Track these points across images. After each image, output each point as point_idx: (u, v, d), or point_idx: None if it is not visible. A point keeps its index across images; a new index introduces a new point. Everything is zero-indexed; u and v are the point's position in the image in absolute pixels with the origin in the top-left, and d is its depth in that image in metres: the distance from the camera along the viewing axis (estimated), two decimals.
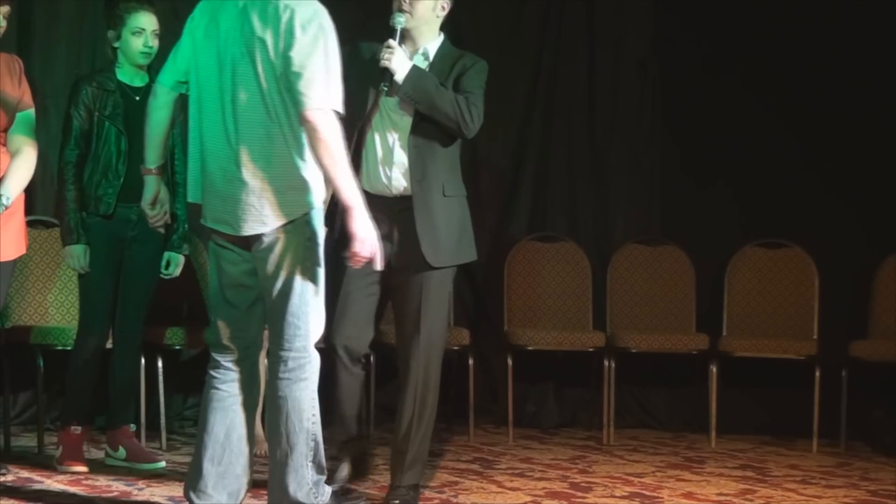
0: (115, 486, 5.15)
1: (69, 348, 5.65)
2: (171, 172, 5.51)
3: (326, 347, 4.68)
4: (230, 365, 4.34)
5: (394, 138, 4.76)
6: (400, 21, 4.72)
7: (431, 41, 4.83)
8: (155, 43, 5.46)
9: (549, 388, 7.25)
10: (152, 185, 4.55)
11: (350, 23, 6.11)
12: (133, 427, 5.70)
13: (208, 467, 4.30)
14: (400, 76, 4.67)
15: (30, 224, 5.64)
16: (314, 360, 4.24)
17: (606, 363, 6.73)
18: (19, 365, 6.10)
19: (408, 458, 4.85)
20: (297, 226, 4.16)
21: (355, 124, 4.74)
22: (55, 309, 6.21)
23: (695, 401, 7.01)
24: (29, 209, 5.36)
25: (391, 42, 4.68)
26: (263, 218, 4.15)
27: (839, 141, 7.09)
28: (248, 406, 4.37)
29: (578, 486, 5.47)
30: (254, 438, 4.41)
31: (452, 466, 5.84)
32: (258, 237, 4.18)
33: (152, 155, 4.49)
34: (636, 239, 7.21)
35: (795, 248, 7.06)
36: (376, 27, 4.84)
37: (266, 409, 4.35)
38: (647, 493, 5.39)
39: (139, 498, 4.97)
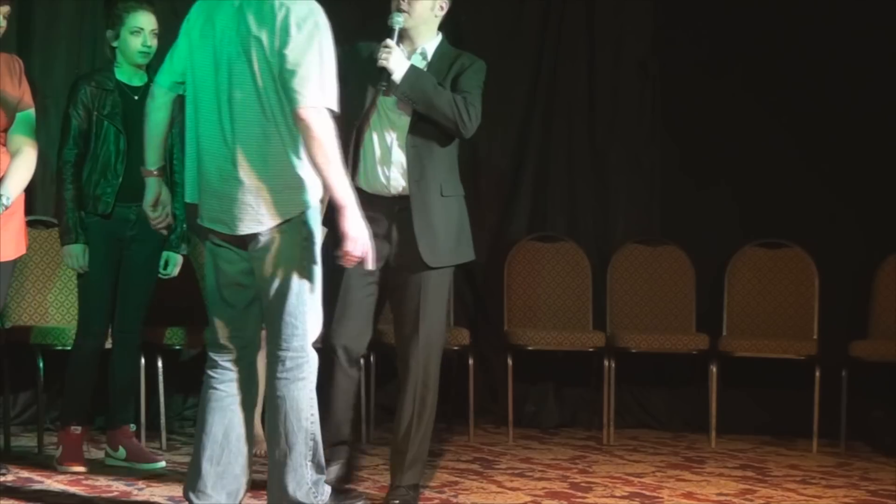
0: (115, 486, 5.15)
1: (69, 348, 5.65)
2: (170, 172, 5.51)
3: (324, 348, 4.67)
4: (228, 364, 4.34)
5: (392, 138, 4.76)
6: (398, 21, 4.72)
7: (430, 41, 4.83)
8: (153, 42, 5.46)
9: (549, 388, 7.25)
10: (153, 187, 4.54)
11: (349, 23, 6.14)
12: (133, 427, 5.70)
13: (207, 467, 4.30)
14: (398, 76, 4.66)
15: (30, 224, 5.64)
16: (312, 360, 4.24)
17: (606, 363, 6.73)
18: (19, 365, 6.10)
19: (408, 458, 4.84)
20: (294, 225, 4.16)
21: (353, 124, 4.74)
22: (55, 309, 6.21)
23: (695, 401, 7.00)
24: (29, 209, 5.36)
25: (389, 42, 4.68)
26: (260, 217, 4.15)
27: (839, 141, 7.09)
28: (247, 406, 4.36)
29: (578, 486, 5.47)
30: (252, 438, 4.41)
31: (452, 466, 5.84)
32: (254, 236, 4.17)
33: (152, 156, 4.49)
34: (636, 239, 7.21)
35: (795, 248, 7.06)
36: (375, 27, 4.84)
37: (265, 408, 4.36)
38: (647, 493, 5.39)
39: (139, 498, 4.97)
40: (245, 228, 4.17)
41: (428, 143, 4.74)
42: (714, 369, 6.71)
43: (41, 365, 5.91)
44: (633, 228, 7.31)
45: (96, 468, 5.48)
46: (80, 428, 5.49)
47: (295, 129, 4.12)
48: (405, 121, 4.73)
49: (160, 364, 6.08)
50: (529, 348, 6.76)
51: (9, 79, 5.04)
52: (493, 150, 7.29)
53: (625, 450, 6.47)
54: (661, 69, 7.32)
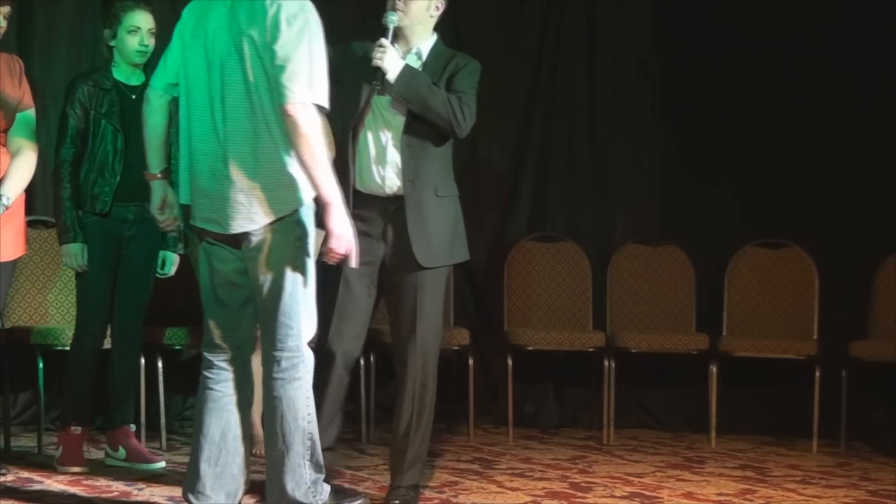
0: (115, 486, 5.15)
1: (68, 348, 5.65)
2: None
3: (323, 352, 4.64)
4: (223, 365, 4.35)
5: (387, 137, 4.75)
6: (392, 20, 4.71)
7: (425, 41, 4.82)
8: (151, 42, 5.46)
9: (549, 388, 7.25)
10: (159, 190, 4.53)
11: (348, 23, 6.14)
12: (133, 427, 5.70)
13: (205, 468, 4.30)
14: (392, 75, 4.66)
15: (30, 224, 5.64)
16: (307, 360, 4.24)
17: (606, 363, 6.73)
18: (19, 365, 6.10)
19: (407, 459, 4.84)
20: (286, 225, 4.16)
21: (348, 123, 4.74)
22: (55, 309, 6.21)
23: (695, 401, 7.00)
24: (29, 209, 5.35)
25: (383, 41, 4.67)
26: (252, 215, 4.15)
27: (839, 141, 7.09)
28: (243, 406, 4.37)
29: (578, 486, 5.47)
30: (250, 438, 4.41)
31: (452, 466, 5.84)
32: (246, 235, 4.17)
33: (154, 160, 4.48)
34: (636, 239, 7.21)
35: (795, 248, 7.06)
36: (374, 26, 4.83)
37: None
38: (647, 493, 5.39)
39: (139, 498, 4.97)
40: (237, 227, 4.17)
41: (423, 142, 4.74)
42: (714, 369, 6.71)
43: (41, 365, 5.90)
44: (633, 228, 7.31)
45: (96, 468, 5.48)
46: (80, 428, 5.49)
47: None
48: (400, 120, 4.73)
49: (160, 364, 6.08)
50: (529, 348, 6.76)
51: (9, 79, 5.04)
52: (493, 150, 7.29)
53: (625, 450, 6.47)
54: (661, 69, 7.33)
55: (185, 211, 4.37)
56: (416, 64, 4.77)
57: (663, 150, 7.35)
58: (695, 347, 6.81)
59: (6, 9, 5.01)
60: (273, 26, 4.08)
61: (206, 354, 4.37)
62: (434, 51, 4.82)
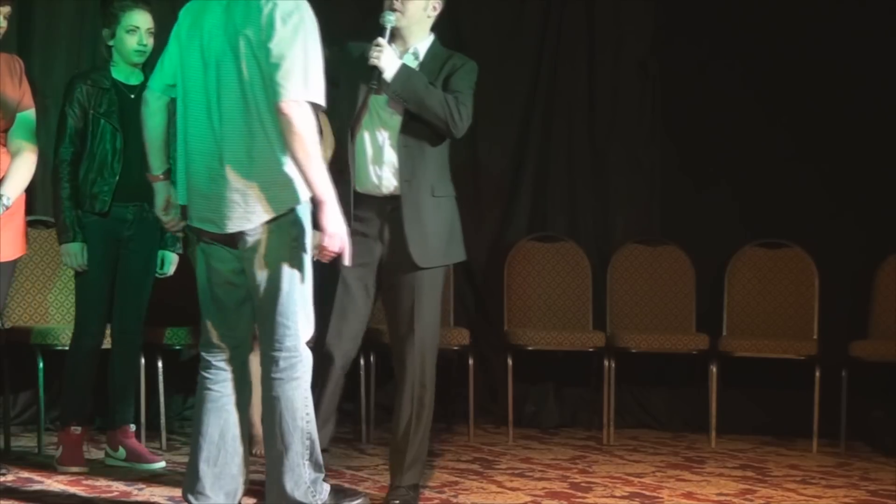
0: (115, 487, 5.15)
1: (68, 348, 5.65)
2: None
3: (322, 355, 4.64)
4: (221, 365, 4.35)
5: (384, 137, 4.75)
6: (389, 19, 4.71)
7: (422, 41, 4.82)
8: (150, 41, 5.46)
9: (549, 388, 7.25)
10: (162, 191, 4.53)
11: (345, 23, 6.14)
12: (133, 427, 5.70)
13: (204, 469, 4.31)
14: (389, 74, 4.66)
15: (30, 224, 5.64)
16: (305, 359, 4.24)
17: (606, 363, 6.73)
18: (19, 365, 6.10)
19: (407, 458, 4.84)
20: (282, 225, 4.16)
21: (345, 123, 4.74)
22: (55, 309, 6.21)
23: (695, 401, 7.00)
24: (29, 209, 5.35)
25: (380, 40, 4.67)
26: (248, 215, 4.15)
27: (840, 141, 7.08)
28: (242, 405, 4.37)
29: (578, 486, 5.47)
30: (249, 438, 4.41)
31: (452, 466, 5.84)
32: (242, 235, 4.17)
33: (156, 161, 4.48)
34: (636, 239, 7.21)
35: (795, 248, 7.06)
36: (372, 27, 4.83)
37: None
38: (647, 493, 5.39)
39: (139, 498, 4.97)
40: (233, 226, 4.17)
41: (419, 143, 4.74)
42: (714, 369, 6.71)
43: (41, 365, 5.90)
44: (633, 228, 7.31)
45: (96, 468, 5.48)
46: (79, 428, 5.49)
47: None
48: (397, 120, 4.73)
49: (160, 364, 6.08)
50: (529, 348, 6.76)
51: (9, 79, 5.04)
52: (493, 150, 7.28)
53: (625, 450, 6.47)
54: (661, 69, 7.32)
55: (183, 211, 4.37)
56: (413, 64, 4.77)
57: (663, 150, 7.35)
58: (695, 347, 6.81)
59: (6, 9, 5.01)
60: (268, 24, 4.08)
61: (203, 354, 4.38)
62: (431, 51, 4.82)
